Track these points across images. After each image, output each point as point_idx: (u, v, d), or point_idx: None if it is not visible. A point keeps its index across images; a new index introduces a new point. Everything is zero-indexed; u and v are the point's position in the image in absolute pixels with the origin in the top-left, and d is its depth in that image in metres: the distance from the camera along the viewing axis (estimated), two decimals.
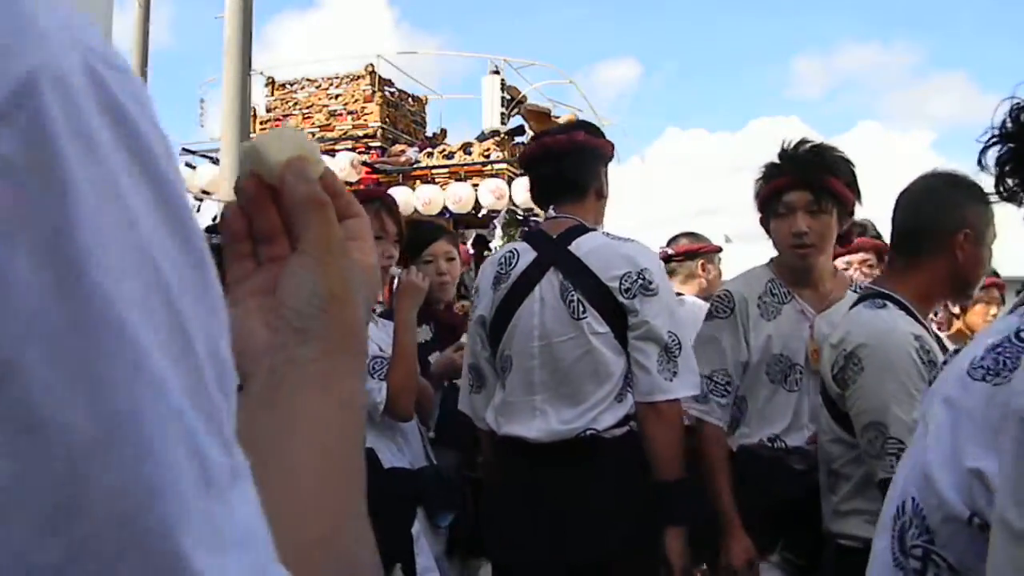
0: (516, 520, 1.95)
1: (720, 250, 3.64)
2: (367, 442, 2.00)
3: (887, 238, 2.99)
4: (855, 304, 1.81)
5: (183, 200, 0.29)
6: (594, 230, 2.02)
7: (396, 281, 2.50)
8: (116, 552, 0.24)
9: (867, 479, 1.70)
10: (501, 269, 2.06)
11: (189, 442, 0.26)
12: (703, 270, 3.43)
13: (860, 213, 2.22)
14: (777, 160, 2.09)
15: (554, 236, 2.02)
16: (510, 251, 2.08)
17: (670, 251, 3.45)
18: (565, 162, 2.03)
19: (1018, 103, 1.03)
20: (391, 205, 2.25)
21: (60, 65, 0.25)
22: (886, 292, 1.75)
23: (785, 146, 2.09)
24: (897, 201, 1.83)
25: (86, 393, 0.24)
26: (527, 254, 2.03)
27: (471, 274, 8.09)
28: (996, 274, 3.08)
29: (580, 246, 1.96)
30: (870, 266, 2.78)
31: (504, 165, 8.84)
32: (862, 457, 1.70)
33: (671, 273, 3.14)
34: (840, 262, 2.55)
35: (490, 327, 2.05)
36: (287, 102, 9.76)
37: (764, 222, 2.15)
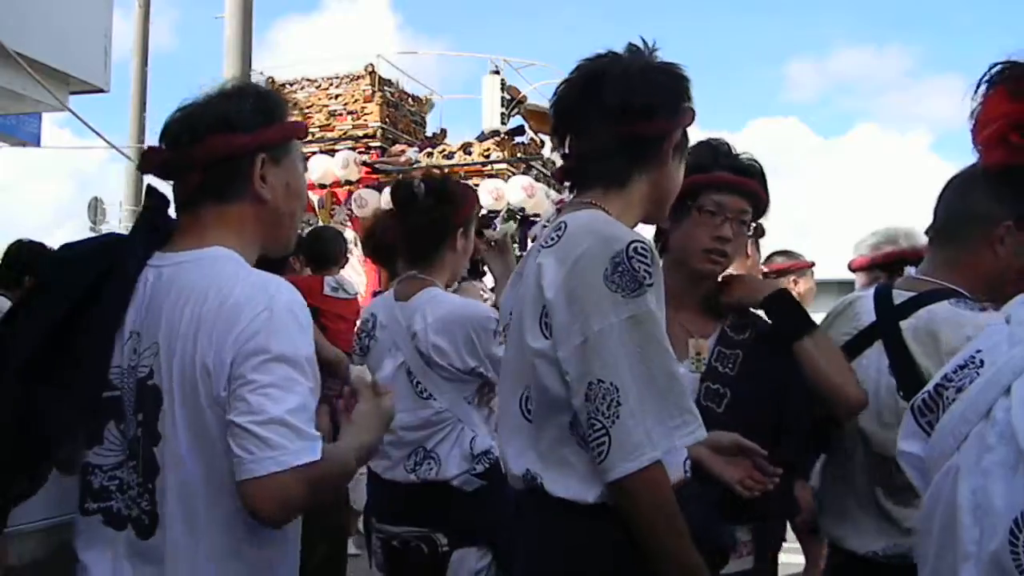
0: None
1: (813, 265, 3.77)
2: None
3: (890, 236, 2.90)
4: (921, 301, 1.62)
5: None
6: None
7: None
8: None
9: None
10: None
11: None
12: (794, 284, 3.58)
13: (864, 216, 1.90)
14: None
15: None
16: None
17: (765, 269, 3.56)
18: None
19: None
20: None
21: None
22: (955, 288, 1.62)
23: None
24: (942, 192, 1.67)
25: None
26: None
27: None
28: None
29: None
30: None
31: (504, 165, 8.84)
32: None
33: None
34: None
35: None
36: (287, 102, 9.74)
37: None
